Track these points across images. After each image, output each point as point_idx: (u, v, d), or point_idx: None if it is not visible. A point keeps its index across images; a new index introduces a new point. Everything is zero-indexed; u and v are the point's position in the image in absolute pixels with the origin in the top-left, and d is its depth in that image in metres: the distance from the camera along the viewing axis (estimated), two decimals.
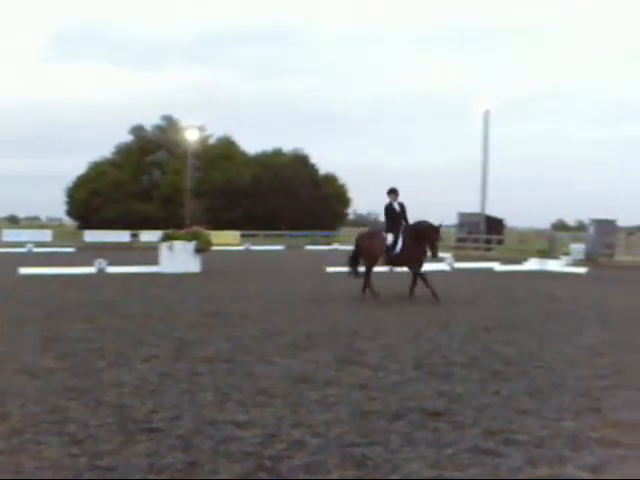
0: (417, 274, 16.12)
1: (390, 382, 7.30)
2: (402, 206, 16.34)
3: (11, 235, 57.48)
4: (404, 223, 16.19)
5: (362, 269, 16.91)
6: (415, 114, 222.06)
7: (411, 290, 16.09)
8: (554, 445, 5.18)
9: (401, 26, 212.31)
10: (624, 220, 50.45)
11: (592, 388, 7.09)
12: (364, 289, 16.48)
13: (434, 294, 15.50)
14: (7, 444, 5.14)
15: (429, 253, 16.09)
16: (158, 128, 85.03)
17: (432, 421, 5.82)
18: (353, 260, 17.10)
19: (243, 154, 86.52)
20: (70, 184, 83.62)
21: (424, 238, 15.82)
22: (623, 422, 5.82)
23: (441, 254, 34.01)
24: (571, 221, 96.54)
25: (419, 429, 5.57)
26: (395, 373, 7.75)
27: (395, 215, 16.22)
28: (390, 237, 16.17)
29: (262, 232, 64.12)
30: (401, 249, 16.01)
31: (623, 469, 4.70)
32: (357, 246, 17.06)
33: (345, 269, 17.80)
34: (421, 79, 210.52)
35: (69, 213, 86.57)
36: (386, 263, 16.72)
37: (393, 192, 16.26)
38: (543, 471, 4.64)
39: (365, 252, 16.79)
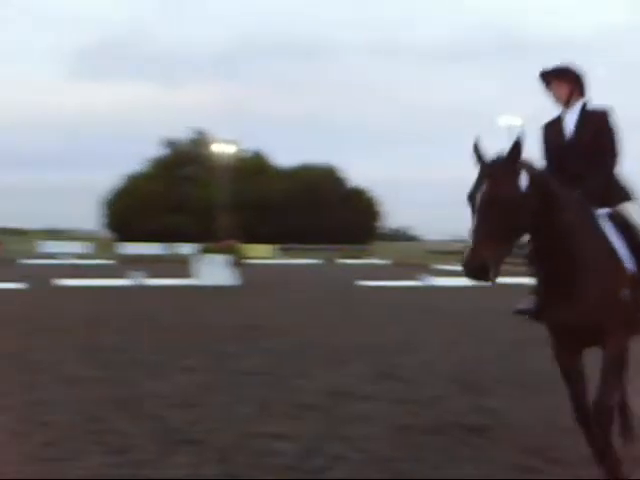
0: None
1: (427, 396, 7.24)
2: (598, 126, 4.73)
3: (49, 247, 58.42)
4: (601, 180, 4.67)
5: None
6: (450, 128, 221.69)
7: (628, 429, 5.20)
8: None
9: (425, 37, 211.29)
10: None
11: None
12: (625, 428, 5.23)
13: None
14: (48, 453, 5.18)
15: None
16: (191, 142, 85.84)
17: (472, 437, 5.75)
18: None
19: (274, 168, 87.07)
20: (104, 197, 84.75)
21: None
22: None
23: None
24: None
25: (459, 445, 5.52)
26: (431, 387, 7.69)
27: (566, 151, 4.82)
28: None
29: (295, 245, 64.27)
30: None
31: None
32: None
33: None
34: (452, 91, 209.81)
35: (107, 225, 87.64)
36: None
37: (560, 76, 4.83)
38: None
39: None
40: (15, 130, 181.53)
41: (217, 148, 64.59)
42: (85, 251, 58.22)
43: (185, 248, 50.93)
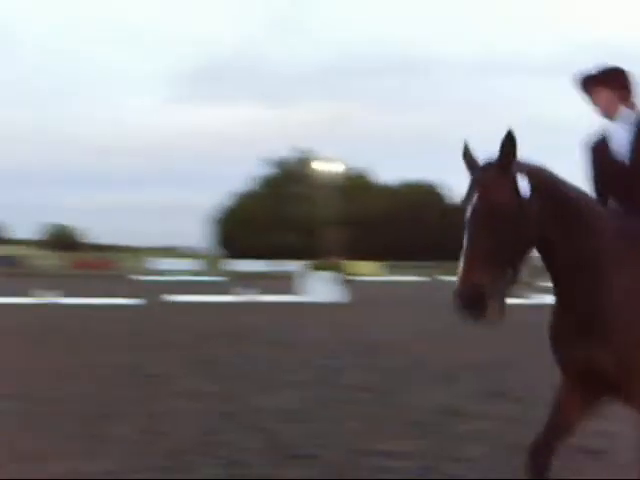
0: None
1: (540, 416, 7.04)
2: None
3: (160, 264, 60.32)
4: None
5: None
6: (555, 144, 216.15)
7: None
8: None
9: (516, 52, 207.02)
10: None
11: None
12: None
13: None
14: (166, 463, 5.31)
15: None
16: (297, 160, 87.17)
17: (589, 460, 5.57)
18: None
19: (378, 185, 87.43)
20: (213, 215, 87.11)
21: None
22: None
23: None
24: None
25: (576, 468, 5.35)
26: (544, 407, 7.47)
27: (620, 175, 3.72)
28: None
29: (400, 262, 64.14)
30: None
31: None
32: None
33: None
34: (556, 106, 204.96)
35: (216, 242, 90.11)
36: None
37: (604, 82, 3.79)
38: None
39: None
40: (126, 151, 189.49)
41: (322, 166, 65.17)
42: (195, 268, 59.78)
43: (292, 265, 51.58)
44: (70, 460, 5.33)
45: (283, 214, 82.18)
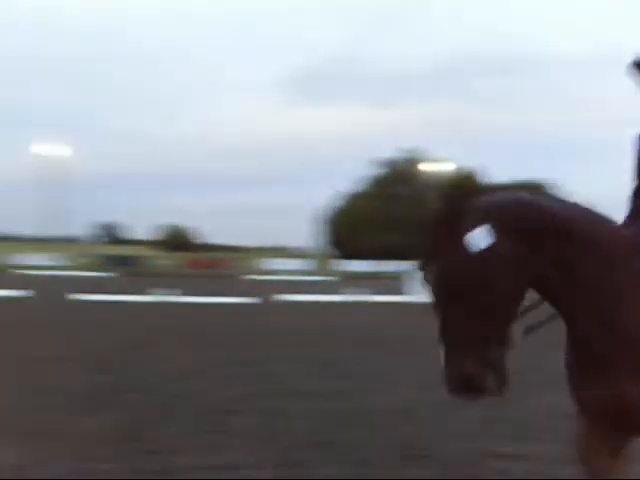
0: None
1: None
2: None
3: (272, 264, 61.37)
4: None
5: None
6: None
7: None
8: None
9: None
10: None
11: None
12: None
13: None
14: (279, 461, 5.42)
15: None
16: (406, 161, 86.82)
17: None
18: None
19: (488, 186, 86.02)
20: (324, 215, 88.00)
21: None
22: None
23: None
24: None
25: None
26: None
27: None
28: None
29: None
30: None
31: None
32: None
33: None
34: None
35: (327, 242, 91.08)
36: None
37: None
38: None
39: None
40: (239, 153, 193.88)
41: (432, 166, 64.68)
42: (305, 268, 60.52)
43: (402, 265, 51.52)
44: (193, 454, 5.56)
45: (392, 214, 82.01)
